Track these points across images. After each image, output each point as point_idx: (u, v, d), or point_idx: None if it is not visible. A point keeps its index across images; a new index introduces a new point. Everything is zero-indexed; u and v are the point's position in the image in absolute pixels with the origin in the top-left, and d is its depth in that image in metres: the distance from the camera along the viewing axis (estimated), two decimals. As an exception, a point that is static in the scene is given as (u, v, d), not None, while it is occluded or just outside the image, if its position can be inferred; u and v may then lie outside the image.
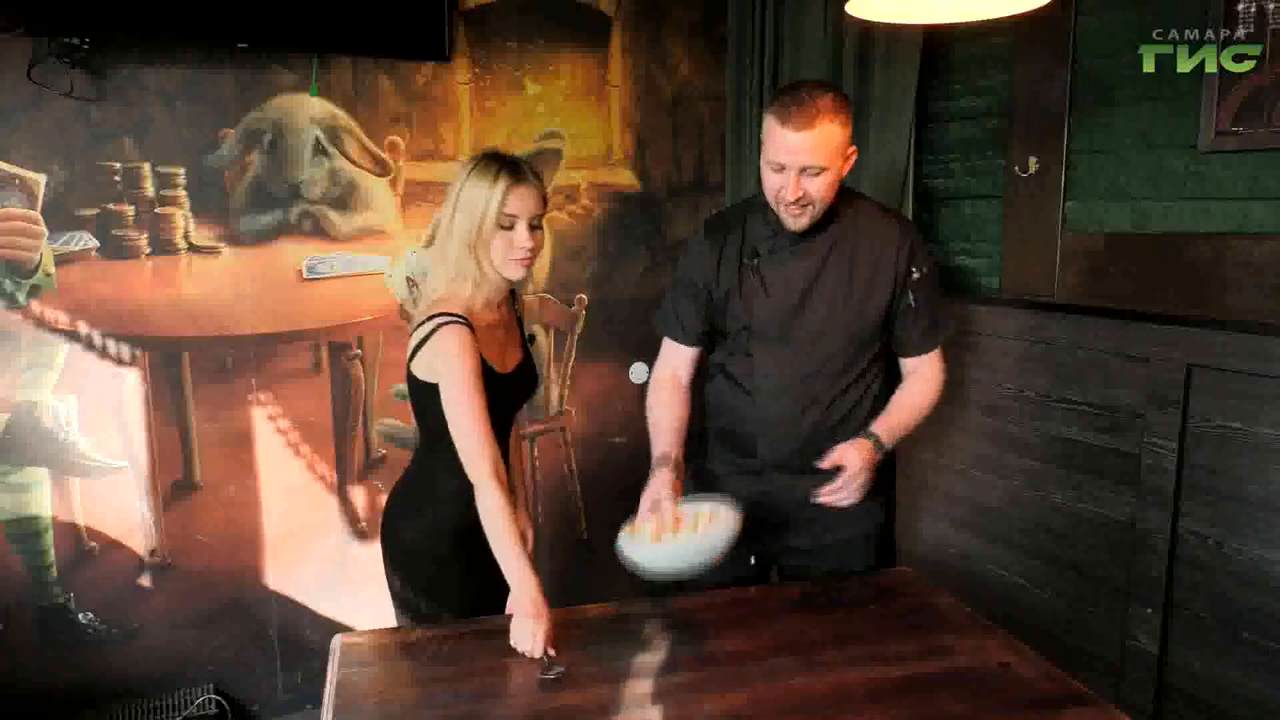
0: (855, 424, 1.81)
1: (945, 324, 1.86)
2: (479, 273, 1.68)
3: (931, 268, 1.82)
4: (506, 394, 1.76)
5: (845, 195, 1.81)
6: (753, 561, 1.92)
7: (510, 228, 1.66)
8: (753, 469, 1.87)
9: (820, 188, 1.66)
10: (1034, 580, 2.28)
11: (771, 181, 1.69)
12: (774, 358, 1.80)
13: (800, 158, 1.63)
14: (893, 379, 1.90)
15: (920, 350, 1.85)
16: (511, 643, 1.50)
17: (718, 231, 1.87)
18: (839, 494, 1.73)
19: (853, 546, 1.89)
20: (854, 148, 1.71)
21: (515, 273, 1.70)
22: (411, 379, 1.74)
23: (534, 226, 1.69)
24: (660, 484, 1.71)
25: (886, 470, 1.91)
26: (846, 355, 1.80)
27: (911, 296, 1.79)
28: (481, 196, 1.64)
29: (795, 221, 1.72)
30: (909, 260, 1.78)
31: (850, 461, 1.71)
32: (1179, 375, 1.89)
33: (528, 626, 1.50)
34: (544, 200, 1.71)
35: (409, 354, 1.71)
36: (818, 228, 1.77)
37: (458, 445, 1.64)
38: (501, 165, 1.66)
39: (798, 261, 1.78)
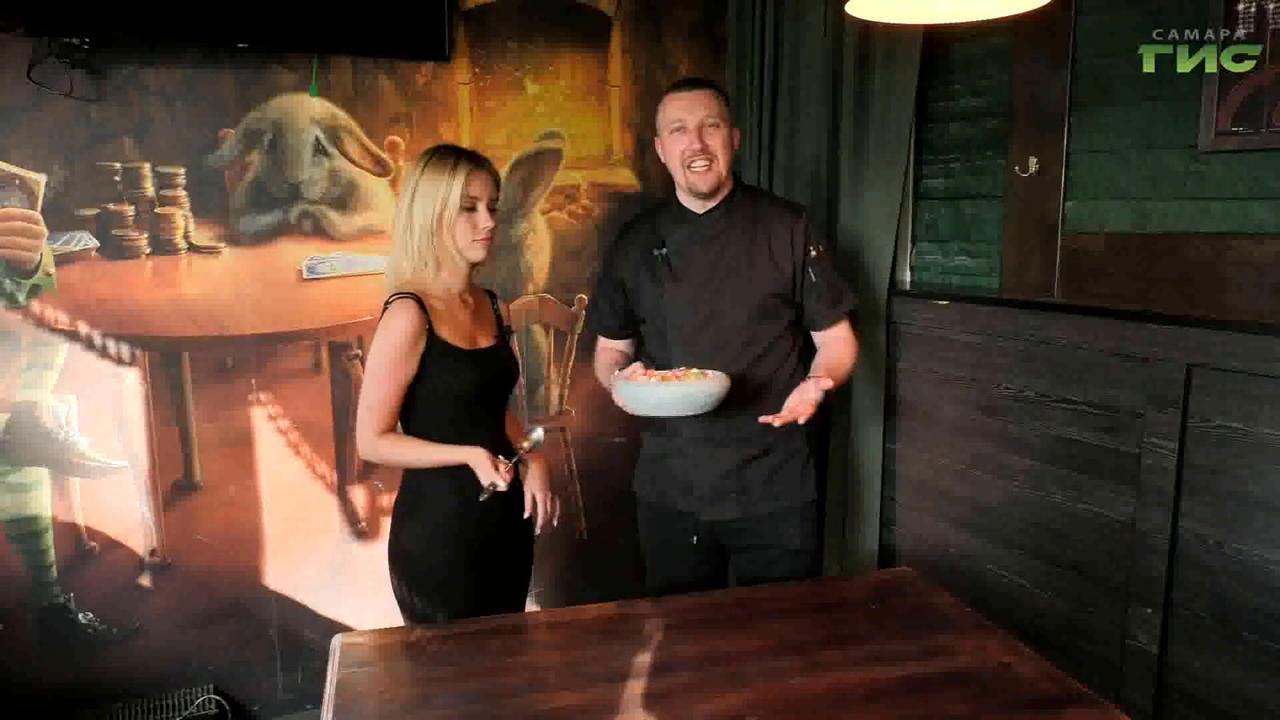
0: (774, 394, 1.91)
1: (848, 297, 2.02)
2: (440, 257, 1.78)
3: (826, 247, 2.01)
4: (477, 371, 1.79)
5: (746, 189, 2.04)
6: (695, 540, 2.02)
7: (472, 209, 1.76)
8: (677, 447, 2.00)
9: (718, 144, 1.90)
10: (1034, 580, 2.28)
11: (675, 146, 1.91)
12: (686, 336, 1.95)
13: (698, 111, 1.89)
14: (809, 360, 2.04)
15: (829, 320, 2.00)
16: (486, 478, 1.70)
17: (629, 230, 2.10)
18: (789, 416, 1.80)
19: (787, 520, 2.00)
20: (737, 131, 1.97)
21: (477, 254, 1.79)
22: None
23: (491, 210, 1.79)
24: (632, 368, 1.86)
25: (811, 449, 2.04)
26: (752, 328, 1.95)
27: (812, 273, 1.96)
28: (442, 183, 1.74)
29: (703, 179, 1.90)
30: (805, 240, 1.95)
31: (809, 392, 1.80)
32: (1179, 375, 1.89)
33: (486, 464, 1.70)
34: (498, 185, 1.82)
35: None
36: (719, 215, 1.95)
37: (358, 409, 1.75)
38: (459, 154, 1.78)
39: (702, 246, 1.96)
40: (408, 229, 1.77)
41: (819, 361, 1.98)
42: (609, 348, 2.16)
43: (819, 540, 2.09)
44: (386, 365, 1.71)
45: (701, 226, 1.97)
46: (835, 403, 2.69)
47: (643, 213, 2.16)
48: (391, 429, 1.74)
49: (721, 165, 1.91)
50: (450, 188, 1.73)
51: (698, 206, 1.97)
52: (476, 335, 1.83)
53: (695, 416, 1.93)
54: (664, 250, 1.99)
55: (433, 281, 1.79)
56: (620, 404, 1.83)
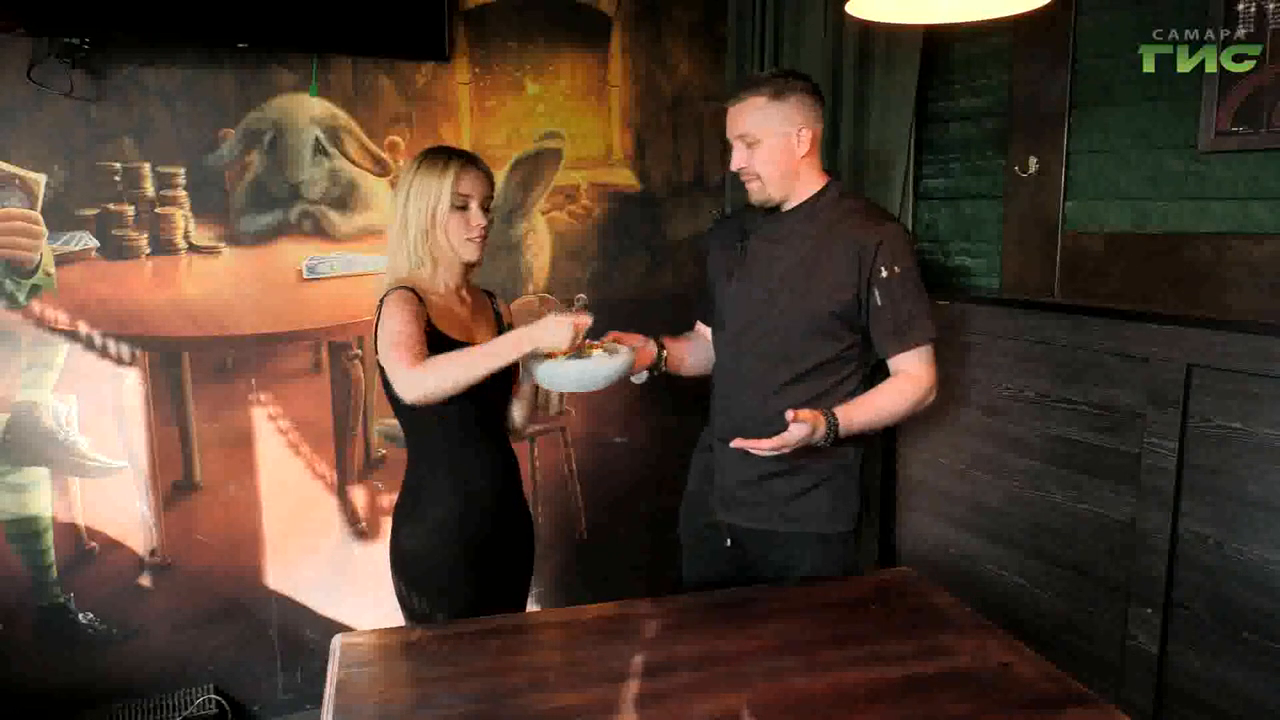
0: None
1: (921, 328, 1.81)
2: (436, 256, 1.78)
3: (907, 271, 1.80)
4: None
5: (843, 194, 1.88)
6: (729, 543, 1.97)
7: (464, 208, 1.76)
8: (710, 442, 1.98)
9: (758, 160, 1.80)
10: (1034, 580, 2.28)
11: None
12: (732, 334, 1.91)
13: (731, 128, 1.83)
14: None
15: (892, 351, 1.83)
16: (554, 339, 1.61)
17: (724, 220, 2.09)
18: (757, 444, 1.73)
19: (802, 546, 1.89)
20: (804, 128, 1.80)
21: (470, 253, 1.79)
22: (379, 368, 1.77)
23: (484, 209, 1.80)
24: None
25: (855, 478, 1.91)
26: (802, 343, 1.84)
27: (878, 295, 1.79)
28: (434, 182, 1.75)
29: (751, 194, 1.86)
30: (877, 258, 1.78)
31: (793, 429, 1.70)
32: (1179, 375, 1.89)
33: (553, 322, 1.61)
34: (492, 184, 1.82)
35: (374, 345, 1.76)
36: (799, 218, 1.86)
37: (385, 362, 1.66)
38: (451, 153, 1.79)
39: (774, 247, 1.88)
40: (403, 229, 1.78)
41: (865, 395, 1.84)
42: (701, 332, 2.11)
43: (841, 573, 1.91)
44: (404, 313, 1.67)
45: (779, 226, 1.87)
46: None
47: (743, 205, 2.05)
48: (422, 359, 1.63)
49: (768, 182, 1.81)
50: (442, 186, 1.74)
51: (767, 206, 1.89)
52: (473, 331, 1.83)
53: (728, 419, 1.92)
54: (744, 243, 1.92)
55: (429, 280, 1.80)
56: None
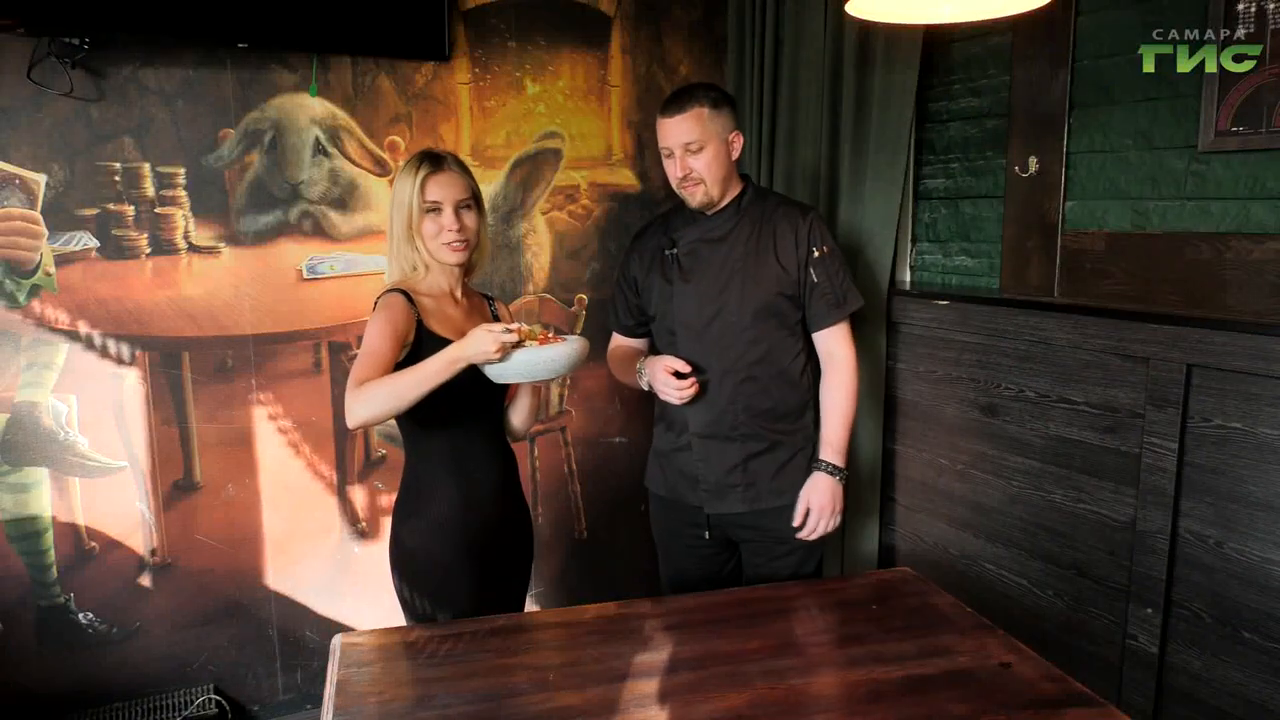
0: (779, 392, 2.00)
1: (851, 300, 2.02)
2: (420, 260, 1.80)
3: (833, 248, 2.01)
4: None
5: (757, 191, 2.06)
6: (707, 536, 2.08)
7: (436, 212, 1.76)
8: (685, 442, 2.05)
9: (704, 164, 1.92)
10: (1034, 580, 2.28)
11: (668, 170, 1.98)
12: (692, 334, 2.00)
13: (678, 138, 1.91)
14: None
15: (826, 322, 2.01)
16: (479, 350, 1.59)
17: (643, 233, 2.16)
18: (817, 528, 1.99)
19: (791, 514, 2.02)
20: (738, 133, 1.97)
21: (449, 257, 1.79)
22: None
23: (465, 210, 1.78)
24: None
25: (816, 446, 2.06)
26: (758, 327, 1.98)
27: (814, 273, 1.98)
28: (407, 188, 1.76)
29: (693, 198, 1.97)
30: (809, 241, 1.98)
31: (815, 502, 1.98)
32: (1179, 375, 1.89)
33: (481, 332, 1.60)
34: (469, 187, 1.80)
35: None
36: (728, 217, 2.00)
37: None
38: (423, 158, 1.78)
39: (711, 246, 2.00)
40: (390, 234, 1.81)
41: (826, 419, 2.01)
42: (622, 344, 2.21)
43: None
44: (380, 325, 1.69)
45: (711, 227, 2.01)
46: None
47: (659, 215, 2.22)
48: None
49: (710, 184, 1.94)
50: (412, 192, 1.75)
51: (707, 208, 2.01)
52: (468, 330, 1.83)
53: (703, 414, 1.98)
54: (675, 250, 2.04)
55: (421, 282, 1.81)
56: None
